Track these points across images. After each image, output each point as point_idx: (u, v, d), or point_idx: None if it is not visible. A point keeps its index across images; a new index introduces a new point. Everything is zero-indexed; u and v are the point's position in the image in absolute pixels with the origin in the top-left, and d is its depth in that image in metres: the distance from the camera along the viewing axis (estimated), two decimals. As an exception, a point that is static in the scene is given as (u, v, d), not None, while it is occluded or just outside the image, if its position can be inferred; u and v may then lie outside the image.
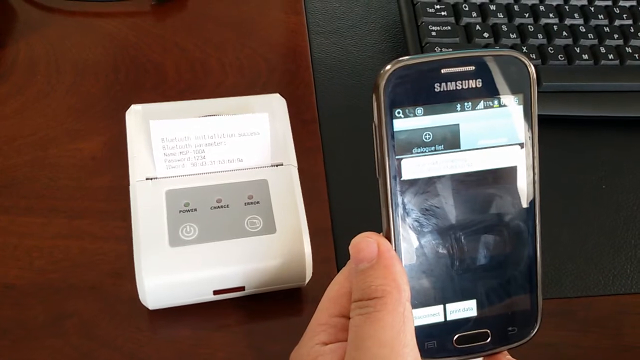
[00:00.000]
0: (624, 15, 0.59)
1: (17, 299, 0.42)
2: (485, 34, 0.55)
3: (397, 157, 0.30)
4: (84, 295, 0.43)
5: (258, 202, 0.42)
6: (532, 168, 0.32)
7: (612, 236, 0.49)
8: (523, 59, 0.30)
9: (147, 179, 0.42)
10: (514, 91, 0.31)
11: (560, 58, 0.55)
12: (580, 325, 0.44)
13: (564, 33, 0.56)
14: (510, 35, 0.55)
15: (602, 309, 0.45)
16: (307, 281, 0.42)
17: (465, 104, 0.30)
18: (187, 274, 0.39)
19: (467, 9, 0.57)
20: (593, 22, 0.58)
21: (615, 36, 0.57)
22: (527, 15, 0.57)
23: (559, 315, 0.45)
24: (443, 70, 0.30)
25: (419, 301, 0.31)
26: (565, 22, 0.58)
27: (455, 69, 0.30)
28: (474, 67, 0.30)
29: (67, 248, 0.44)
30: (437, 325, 0.32)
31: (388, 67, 0.29)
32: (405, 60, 0.29)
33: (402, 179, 0.30)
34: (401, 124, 0.30)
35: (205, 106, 0.45)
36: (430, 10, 0.56)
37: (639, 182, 0.52)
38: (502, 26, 0.56)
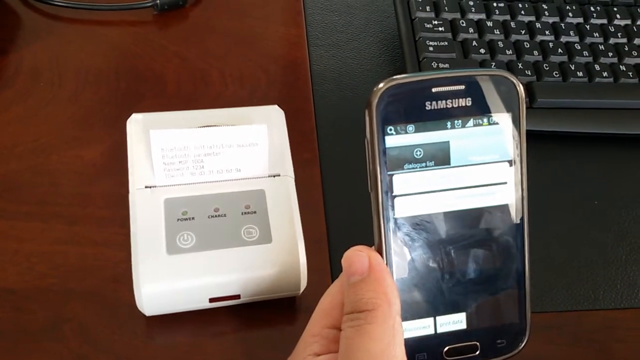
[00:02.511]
0: (619, 34, 0.60)
1: (16, 303, 0.43)
2: (482, 50, 0.56)
3: (388, 172, 0.31)
4: (83, 300, 0.43)
5: (255, 212, 0.42)
6: (521, 184, 0.32)
7: (603, 251, 0.50)
8: (512, 79, 0.31)
9: (146, 187, 0.43)
10: (503, 110, 0.32)
11: (555, 75, 0.56)
12: (569, 339, 0.45)
13: (560, 50, 0.57)
14: (507, 51, 0.56)
15: (592, 323, 0.46)
16: (301, 290, 0.43)
17: (456, 121, 0.31)
18: (183, 282, 0.40)
19: (464, 25, 0.58)
20: (588, 40, 0.59)
21: (610, 54, 0.58)
22: (523, 32, 0.58)
23: (548, 328, 0.45)
24: (434, 89, 0.30)
25: (410, 314, 0.32)
26: (561, 40, 0.59)
27: (446, 87, 0.31)
28: (464, 87, 0.31)
29: (67, 253, 0.45)
30: (427, 337, 0.33)
31: (381, 85, 0.30)
32: (398, 78, 0.30)
33: (393, 194, 0.31)
34: (393, 140, 0.30)
35: (205, 116, 0.46)
36: (428, 26, 0.57)
37: (631, 198, 0.53)
38: (499, 42, 0.57)
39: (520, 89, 0.31)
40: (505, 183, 0.32)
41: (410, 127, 0.31)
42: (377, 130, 0.30)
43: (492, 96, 0.31)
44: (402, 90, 0.30)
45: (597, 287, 0.48)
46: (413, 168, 0.31)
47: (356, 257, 0.31)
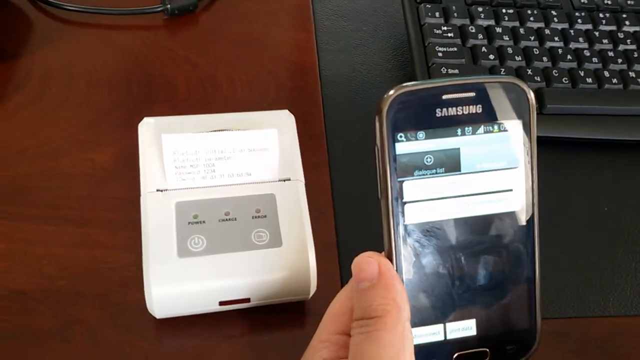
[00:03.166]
0: (628, 40, 0.60)
1: (26, 305, 0.43)
2: (491, 56, 0.56)
3: (399, 179, 0.31)
4: (92, 303, 0.43)
5: (265, 216, 0.43)
6: (532, 191, 0.33)
7: (612, 258, 0.50)
8: (522, 86, 0.31)
9: (157, 190, 0.43)
10: (513, 116, 0.32)
11: (564, 81, 0.56)
12: (578, 346, 0.45)
13: (569, 57, 0.57)
14: (516, 57, 0.56)
15: (601, 330, 0.46)
16: (311, 295, 0.43)
17: (466, 128, 0.31)
18: (194, 285, 0.40)
19: (473, 31, 0.58)
20: (597, 47, 0.59)
21: (619, 61, 0.58)
22: (532, 38, 0.58)
23: (557, 335, 0.45)
24: (444, 96, 0.31)
25: (420, 320, 0.32)
26: (570, 46, 0.59)
27: (456, 94, 0.31)
28: (474, 93, 0.31)
29: (76, 256, 0.45)
30: (437, 344, 0.33)
31: (391, 92, 0.30)
32: (408, 86, 0.30)
33: (403, 200, 0.31)
34: (403, 147, 0.31)
35: (216, 121, 0.46)
36: (437, 32, 0.57)
37: (640, 204, 0.53)
38: (508, 48, 0.57)
39: (531, 95, 0.32)
40: (516, 190, 0.32)
41: (421, 134, 0.31)
42: (388, 137, 0.30)
43: (502, 103, 0.31)
44: (412, 97, 0.30)
45: (607, 293, 0.48)
46: (423, 175, 0.31)
47: (366, 263, 0.31)
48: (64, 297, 0.44)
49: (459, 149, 0.31)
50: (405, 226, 0.31)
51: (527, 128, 0.32)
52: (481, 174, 0.32)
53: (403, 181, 0.31)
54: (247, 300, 0.42)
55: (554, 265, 0.49)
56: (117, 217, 0.47)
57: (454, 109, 0.31)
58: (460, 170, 0.32)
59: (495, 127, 0.32)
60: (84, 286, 0.44)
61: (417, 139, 0.31)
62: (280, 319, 0.44)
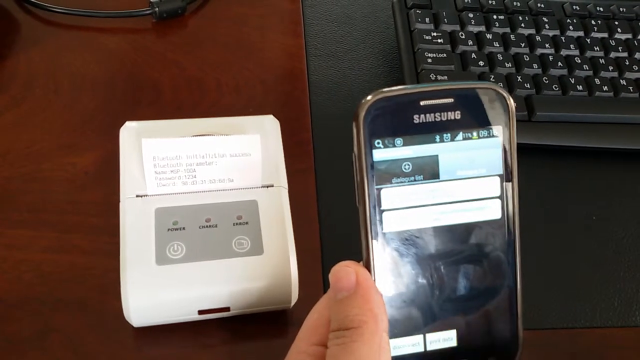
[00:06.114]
0: (620, 48, 0.59)
1: (3, 312, 0.42)
2: (481, 63, 0.56)
3: (376, 186, 0.30)
4: (71, 310, 0.43)
5: (247, 223, 0.42)
6: (512, 199, 0.32)
7: (600, 268, 0.49)
8: (502, 92, 0.31)
9: (137, 196, 0.42)
10: (493, 123, 0.31)
11: (554, 88, 0.55)
12: (565, 358, 0.44)
13: (559, 63, 0.57)
14: (506, 64, 0.56)
15: (588, 341, 0.45)
16: (292, 304, 0.42)
17: (445, 135, 0.31)
18: (172, 293, 0.40)
19: (463, 37, 0.57)
20: (589, 54, 0.58)
21: (610, 68, 0.57)
22: (523, 45, 0.58)
23: (543, 346, 0.45)
24: (422, 102, 0.30)
25: (399, 331, 0.31)
26: (561, 53, 0.58)
27: (434, 101, 0.30)
28: (452, 100, 0.30)
29: (56, 262, 0.45)
30: (417, 355, 0.32)
31: (368, 97, 0.30)
32: (385, 91, 0.30)
33: (381, 208, 0.30)
34: (381, 154, 0.30)
35: (199, 125, 0.46)
36: (427, 38, 0.56)
37: (630, 214, 0.53)
38: (498, 55, 0.56)
39: (511, 102, 0.31)
40: (496, 197, 0.32)
41: (399, 141, 0.30)
42: (365, 144, 0.30)
43: (481, 109, 0.31)
44: (390, 103, 0.30)
45: (594, 304, 0.47)
46: (401, 182, 0.30)
47: (343, 272, 0.30)
48: (42, 304, 0.43)
49: (437, 156, 0.31)
50: (384, 234, 0.31)
51: (507, 134, 0.31)
52: (460, 181, 0.31)
53: (381, 189, 0.30)
54: (227, 309, 0.41)
55: (540, 274, 0.48)
56: (98, 223, 0.47)
57: (432, 115, 0.30)
58: (439, 178, 0.31)
59: (475, 133, 0.31)
60: (62, 293, 0.43)
61: (394, 146, 0.30)
62: (261, 329, 0.43)
